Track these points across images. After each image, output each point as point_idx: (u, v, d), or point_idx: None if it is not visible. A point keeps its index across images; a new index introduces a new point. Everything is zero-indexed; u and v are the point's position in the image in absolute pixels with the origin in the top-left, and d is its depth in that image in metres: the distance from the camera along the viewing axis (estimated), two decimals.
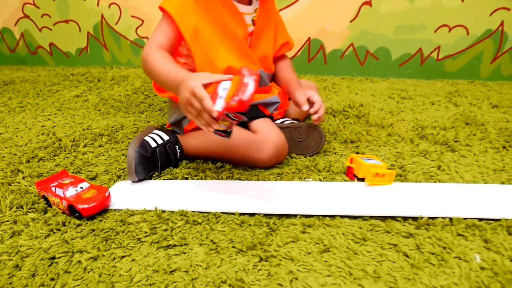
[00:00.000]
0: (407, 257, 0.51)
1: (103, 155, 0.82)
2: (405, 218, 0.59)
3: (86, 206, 0.57)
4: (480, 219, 0.58)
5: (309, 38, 1.47)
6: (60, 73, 1.57)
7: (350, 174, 0.72)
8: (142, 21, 1.56)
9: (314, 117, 0.76)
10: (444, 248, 0.52)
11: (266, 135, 0.72)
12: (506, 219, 0.57)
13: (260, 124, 0.75)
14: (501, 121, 1.02)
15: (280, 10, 1.44)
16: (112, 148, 0.86)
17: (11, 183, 0.71)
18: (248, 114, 0.58)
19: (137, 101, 1.19)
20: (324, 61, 1.50)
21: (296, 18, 1.44)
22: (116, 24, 1.57)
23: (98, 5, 1.55)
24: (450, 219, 0.58)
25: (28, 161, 0.79)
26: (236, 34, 0.75)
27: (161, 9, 0.71)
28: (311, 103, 0.78)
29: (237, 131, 0.74)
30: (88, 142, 0.88)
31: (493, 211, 0.59)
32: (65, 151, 0.84)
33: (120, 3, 1.54)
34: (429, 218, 0.58)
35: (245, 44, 0.77)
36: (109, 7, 1.55)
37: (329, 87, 1.35)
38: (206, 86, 0.57)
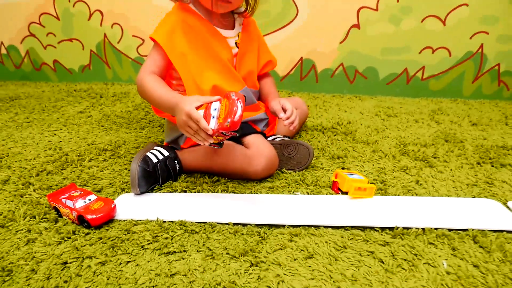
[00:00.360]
0: (382, 263, 0.57)
1: (107, 169, 0.88)
2: (382, 228, 0.65)
3: (94, 216, 0.63)
4: (450, 229, 0.64)
5: (302, 58, 1.55)
6: (63, 89, 1.64)
7: (335, 188, 0.78)
8: (143, 40, 1.63)
9: (286, 122, 0.82)
10: (416, 255, 0.59)
11: (258, 149, 0.79)
12: (473, 229, 0.64)
13: (252, 139, 0.82)
14: (478, 138, 1.09)
15: (275, 31, 1.52)
16: (116, 162, 0.92)
17: (23, 195, 0.76)
18: (240, 130, 0.66)
19: (138, 117, 1.26)
20: (315, 79, 1.58)
21: (290, 39, 1.52)
22: (118, 43, 1.65)
23: (101, 25, 1.63)
24: (423, 229, 0.64)
25: (37, 175, 0.85)
26: (221, 57, 0.83)
27: (152, 39, 0.80)
28: (284, 110, 0.84)
29: (232, 147, 0.81)
30: (93, 157, 0.94)
31: (462, 222, 0.66)
32: (71, 165, 0.90)
33: (122, 24, 1.62)
34: (404, 228, 0.64)
35: (230, 65, 0.85)
36: (111, 27, 1.63)
37: (320, 104, 1.42)
38: (198, 107, 0.66)
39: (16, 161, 0.92)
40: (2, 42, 1.73)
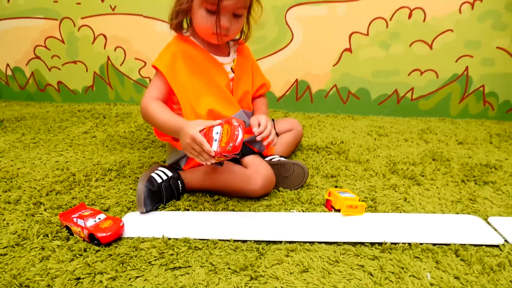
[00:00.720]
0: (372, 275, 0.62)
1: (113, 188, 0.93)
2: (372, 244, 0.70)
3: (104, 234, 0.68)
4: (434, 244, 0.70)
5: (297, 79, 1.63)
6: (67, 109, 1.69)
7: (328, 206, 0.84)
8: (145, 63, 1.70)
9: (257, 138, 0.81)
10: (402, 268, 0.64)
11: (255, 169, 0.85)
12: (455, 244, 0.69)
13: (250, 160, 0.87)
14: (464, 157, 1.15)
15: (271, 55, 1.60)
16: (121, 182, 0.97)
17: (34, 214, 0.81)
18: (240, 152, 0.72)
19: (140, 138, 1.31)
20: (310, 100, 1.65)
21: (286, 62, 1.60)
22: (121, 65, 1.72)
23: (105, 48, 1.70)
24: (409, 244, 0.69)
25: (47, 194, 0.90)
26: (218, 83, 0.90)
27: (154, 67, 0.87)
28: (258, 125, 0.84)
29: (231, 167, 0.87)
30: (99, 177, 0.99)
31: (445, 237, 0.71)
32: (79, 185, 0.95)
33: (125, 47, 1.69)
34: (392, 243, 0.69)
35: (226, 91, 0.92)
36: (115, 50, 1.70)
37: (314, 124, 1.49)
38: (200, 131, 0.72)
39: (25, 181, 0.97)
40: (8, 64, 1.80)
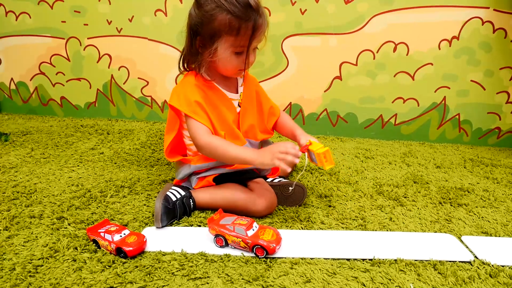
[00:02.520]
0: (364, 286, 0.73)
1: (128, 205, 1.02)
2: (364, 259, 0.81)
3: (131, 248, 0.77)
4: (416, 259, 0.81)
5: (291, 103, 1.75)
6: (70, 124, 1.76)
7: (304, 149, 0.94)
8: (147, 82, 1.80)
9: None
10: (390, 279, 0.75)
11: (260, 192, 0.95)
12: (433, 259, 0.81)
13: (255, 184, 0.98)
14: (441, 180, 1.29)
15: (267, 79, 1.72)
16: (134, 198, 1.05)
17: (59, 228, 0.89)
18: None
19: (146, 155, 1.40)
20: (303, 122, 1.77)
21: (280, 86, 1.72)
22: (124, 83, 1.80)
23: (109, 67, 1.78)
24: (395, 259, 0.81)
25: (68, 210, 0.97)
26: (227, 119, 0.98)
27: (186, 115, 0.94)
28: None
29: (238, 189, 0.97)
30: (113, 193, 1.07)
31: (425, 253, 0.83)
32: (96, 201, 1.03)
33: (129, 67, 1.78)
34: (381, 258, 0.81)
35: (234, 126, 0.99)
36: (118, 69, 1.78)
37: None
38: None
39: (44, 197, 1.04)
40: (12, 79, 1.85)
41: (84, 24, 1.73)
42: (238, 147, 0.91)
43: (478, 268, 0.79)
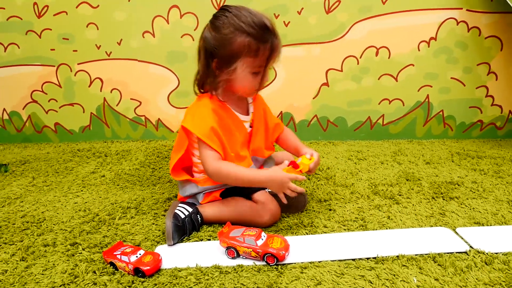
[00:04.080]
0: (371, 283, 0.78)
1: (137, 225, 1.05)
2: (368, 257, 0.86)
3: (148, 268, 0.80)
4: (416, 254, 0.87)
5: (281, 111, 1.81)
6: (66, 149, 1.78)
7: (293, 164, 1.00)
8: (140, 102, 1.83)
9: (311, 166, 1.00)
10: (394, 275, 0.80)
11: (264, 205, 0.99)
12: (433, 253, 0.86)
13: (259, 196, 1.02)
14: (432, 175, 1.36)
15: None
16: (142, 219, 1.08)
17: (74, 254, 0.91)
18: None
19: (147, 174, 1.43)
20: (294, 129, 1.83)
21: (270, 97, 1.77)
22: (117, 105, 1.83)
23: (101, 90, 1.81)
24: (397, 255, 0.86)
25: (80, 235, 1.00)
26: (237, 141, 1.02)
27: (198, 138, 0.97)
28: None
29: (243, 203, 1.01)
30: (121, 215, 1.10)
31: (424, 248, 0.88)
32: (105, 224, 1.06)
33: (121, 88, 1.81)
34: (384, 256, 0.86)
35: (243, 147, 1.03)
36: (111, 92, 1.82)
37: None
38: None
39: (54, 224, 1.07)
40: (4, 109, 1.86)
41: (74, 51, 1.76)
42: (247, 171, 0.96)
43: (474, 257, 0.85)
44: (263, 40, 0.91)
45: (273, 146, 1.17)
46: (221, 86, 0.97)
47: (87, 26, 1.73)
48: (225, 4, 0.97)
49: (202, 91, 1.04)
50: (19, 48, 1.77)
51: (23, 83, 1.82)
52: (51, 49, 1.76)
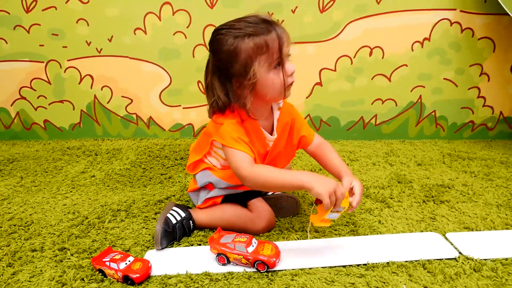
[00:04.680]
0: None
1: (127, 229, 1.04)
2: (358, 264, 0.86)
3: (138, 275, 0.80)
4: (406, 261, 0.87)
5: None
6: (55, 146, 1.75)
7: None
8: (131, 100, 1.81)
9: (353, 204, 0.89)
10: (384, 282, 0.80)
11: (259, 213, 0.99)
12: (422, 259, 0.87)
13: (255, 204, 1.01)
14: (423, 177, 1.36)
15: None
16: (132, 222, 1.07)
17: (62, 260, 0.90)
18: None
19: (137, 175, 1.42)
20: None
21: None
22: (108, 103, 1.81)
23: (91, 87, 1.78)
24: (387, 262, 0.86)
25: (68, 239, 0.99)
26: (259, 152, 0.97)
27: (228, 146, 0.90)
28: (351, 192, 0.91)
29: (237, 211, 1.00)
30: (111, 219, 1.09)
31: (414, 254, 0.89)
32: (94, 227, 1.05)
33: (112, 86, 1.78)
34: (374, 262, 0.86)
35: (260, 158, 0.98)
36: (101, 89, 1.79)
37: None
38: None
39: (42, 227, 1.05)
40: None
41: (63, 47, 1.73)
42: (285, 172, 0.88)
43: (463, 263, 0.86)
44: (266, 33, 0.86)
45: (291, 158, 1.10)
46: (249, 100, 0.90)
47: (77, 22, 1.69)
48: (214, 29, 0.91)
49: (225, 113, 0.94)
50: (6, 43, 1.73)
51: (11, 79, 1.78)
52: (40, 45, 1.73)
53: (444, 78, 1.73)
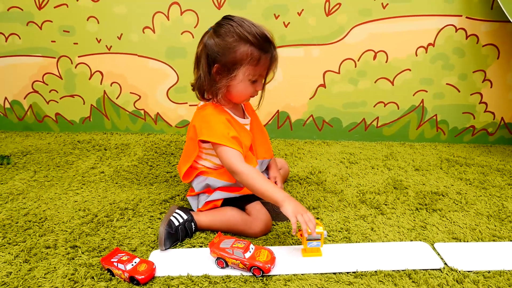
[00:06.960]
0: None
1: (134, 228, 1.11)
2: (348, 272, 0.92)
3: (143, 276, 0.87)
4: (393, 270, 0.93)
5: (278, 110, 1.84)
6: (66, 139, 1.82)
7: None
8: (139, 96, 1.86)
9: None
10: None
11: (256, 217, 1.05)
12: (409, 269, 0.92)
13: (252, 207, 1.07)
14: (419, 183, 1.41)
15: None
16: (139, 221, 1.14)
17: (74, 257, 0.97)
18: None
19: (144, 172, 1.48)
20: (290, 128, 1.87)
21: (268, 95, 1.78)
22: (117, 98, 1.86)
23: (101, 83, 1.84)
24: (375, 271, 0.92)
25: (79, 237, 1.06)
26: (246, 144, 1.06)
27: (218, 143, 0.99)
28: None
29: (236, 214, 1.06)
30: (119, 217, 1.16)
31: (401, 263, 0.94)
32: (103, 226, 1.11)
33: (121, 82, 1.84)
34: (363, 271, 0.92)
35: (249, 152, 1.08)
36: (111, 85, 1.84)
37: (295, 152, 1.71)
38: None
39: (55, 224, 1.12)
40: (6, 98, 1.90)
41: (74, 43, 1.77)
42: (270, 183, 0.97)
43: (447, 275, 0.91)
44: (264, 50, 0.97)
45: (271, 150, 1.22)
46: (221, 92, 1.01)
47: (87, 20, 1.73)
48: (228, 14, 1.00)
49: (205, 98, 1.07)
50: (20, 38, 1.78)
51: (24, 73, 1.84)
52: (52, 41, 1.77)
53: (446, 83, 1.75)
